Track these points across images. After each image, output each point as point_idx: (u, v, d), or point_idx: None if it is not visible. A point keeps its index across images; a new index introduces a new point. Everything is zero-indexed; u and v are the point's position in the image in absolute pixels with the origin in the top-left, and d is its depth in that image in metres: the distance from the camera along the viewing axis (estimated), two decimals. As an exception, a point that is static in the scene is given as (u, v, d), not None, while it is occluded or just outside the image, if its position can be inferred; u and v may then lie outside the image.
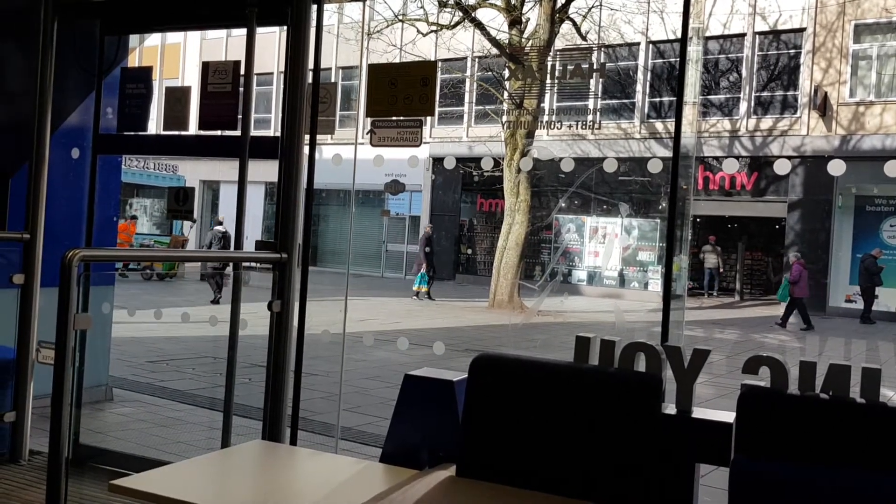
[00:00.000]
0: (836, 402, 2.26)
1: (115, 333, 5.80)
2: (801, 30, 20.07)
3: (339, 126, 3.96)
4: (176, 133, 3.88)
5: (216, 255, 3.98)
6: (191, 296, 14.97)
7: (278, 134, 3.48)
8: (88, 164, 4.20)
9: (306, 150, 3.50)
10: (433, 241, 19.36)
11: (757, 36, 20.80)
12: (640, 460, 2.39)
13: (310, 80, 3.50)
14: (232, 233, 3.79)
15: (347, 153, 4.12)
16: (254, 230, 24.98)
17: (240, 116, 3.73)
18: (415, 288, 17.92)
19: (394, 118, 3.62)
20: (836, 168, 2.96)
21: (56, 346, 2.39)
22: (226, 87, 3.67)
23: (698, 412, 2.49)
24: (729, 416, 2.41)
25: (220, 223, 16.19)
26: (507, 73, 18.34)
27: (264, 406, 3.32)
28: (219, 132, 3.84)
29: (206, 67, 3.75)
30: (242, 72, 3.72)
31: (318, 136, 3.59)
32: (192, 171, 25.33)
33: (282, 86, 3.51)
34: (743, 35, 20.83)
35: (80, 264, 2.46)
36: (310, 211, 3.47)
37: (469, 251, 25.62)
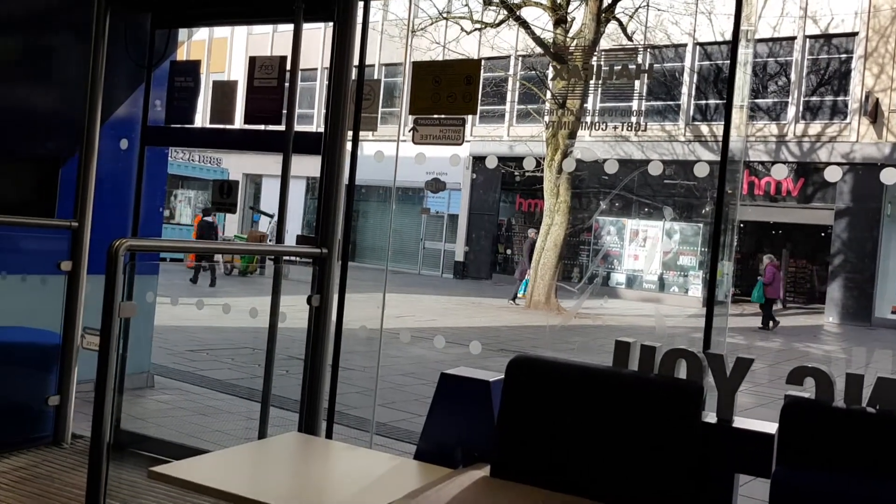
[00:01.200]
0: (884, 417, 2.20)
1: (158, 321, 5.92)
2: (854, 34, 19.60)
3: (381, 123, 3.97)
4: (222, 126, 3.93)
5: (260, 249, 4.02)
6: (259, 288, 15.25)
7: (321, 129, 3.50)
8: (136, 155, 4.28)
9: (349, 146, 3.51)
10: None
11: (807, 39, 20.37)
12: (678, 468, 2.35)
13: (354, 76, 3.51)
14: (275, 226, 3.82)
15: (389, 150, 4.13)
16: (294, 225, 25.26)
17: (284, 111, 3.77)
18: (520, 294, 17.26)
19: (436, 116, 3.62)
20: (890, 177, 2.88)
21: (101, 332, 2.43)
22: (272, 83, 3.70)
23: (739, 422, 2.44)
24: (771, 427, 2.37)
25: (208, 213, 16.46)
26: (550, 72, 18.23)
27: (301, 398, 3.35)
28: (263, 126, 3.87)
29: (252, 62, 3.79)
30: (288, 67, 3.75)
31: (361, 133, 3.60)
32: (236, 165, 25.67)
33: (325, 81, 3.53)
34: (793, 38, 20.42)
35: (126, 253, 2.50)
36: (350, 207, 3.48)
37: (507, 251, 25.55)
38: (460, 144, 3.65)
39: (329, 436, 3.37)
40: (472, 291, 19.08)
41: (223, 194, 3.86)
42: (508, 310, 16.22)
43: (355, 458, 2.78)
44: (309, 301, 3.35)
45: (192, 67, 4.13)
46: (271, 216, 19.86)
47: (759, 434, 2.38)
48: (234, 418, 5.17)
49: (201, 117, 4.08)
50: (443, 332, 9.49)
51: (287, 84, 3.76)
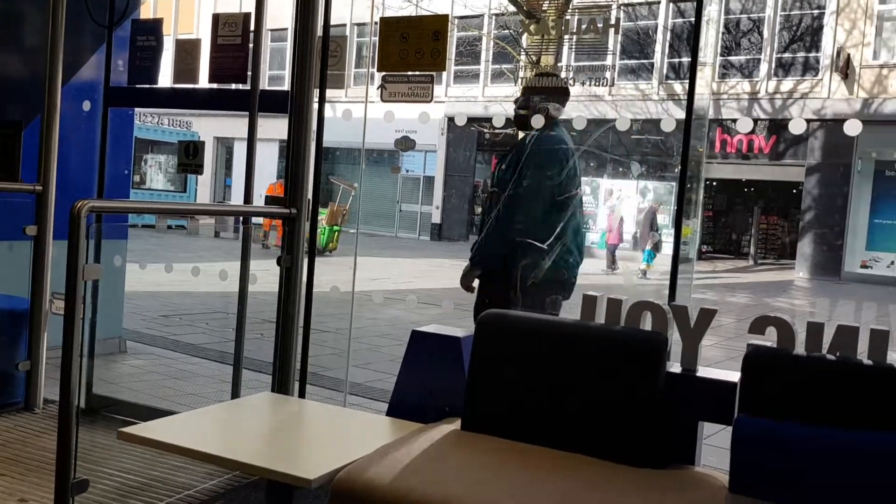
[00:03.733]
0: (843, 363, 2.25)
1: (132, 287, 5.87)
2: (826, -11, 19.63)
3: (353, 84, 3.92)
4: (186, 86, 3.85)
5: (228, 209, 3.98)
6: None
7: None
8: (99, 117, 4.20)
9: (316, 104, 3.47)
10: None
11: (780, -5, 20.36)
12: (644, 418, 2.40)
13: (320, 33, 3.46)
14: (241, 188, 3.78)
15: (360, 111, 4.09)
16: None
17: (250, 71, 3.70)
18: (642, 266, 17.17)
19: (405, 73, 3.58)
20: (853, 128, 2.91)
21: (66, 295, 2.41)
22: (236, 40, 3.63)
23: (703, 371, 2.49)
24: (734, 376, 2.42)
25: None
26: (523, 31, 18.05)
27: (273, 359, 3.36)
28: (231, 86, 3.80)
29: (216, 20, 3.71)
30: (253, 24, 3.68)
31: (331, 94, 3.55)
32: (207, 128, 25.27)
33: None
34: (766, -6, 20.41)
35: (89, 215, 2.47)
36: (319, 166, 3.45)
37: (481, 212, 25.55)
38: (430, 101, 3.61)
39: (302, 395, 3.38)
40: (448, 253, 19.10)
41: (189, 155, 3.80)
42: (485, 270, 16.27)
43: (327, 416, 2.80)
44: (279, 262, 3.34)
45: (154, 26, 4.03)
46: (354, 187, 19.07)
47: (721, 383, 2.43)
48: (208, 382, 5.17)
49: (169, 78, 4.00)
50: (418, 293, 9.53)
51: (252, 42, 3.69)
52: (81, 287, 2.42)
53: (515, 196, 3.79)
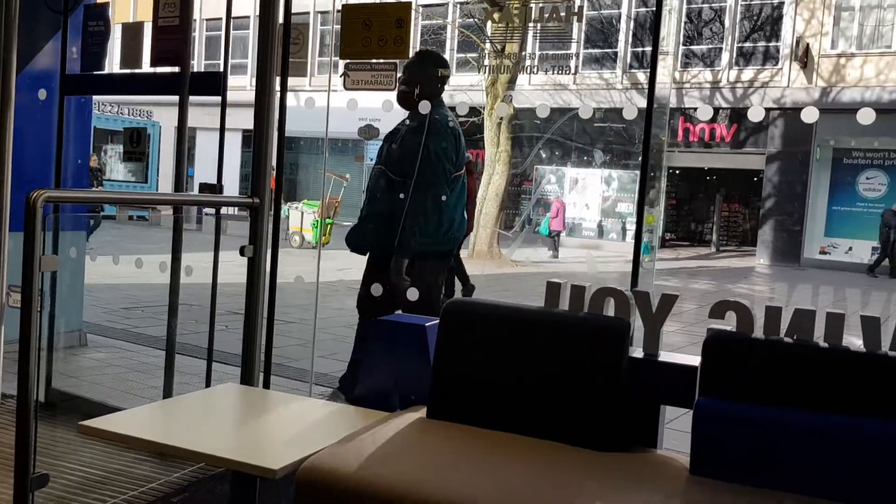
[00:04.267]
0: (800, 346, 2.30)
1: (91, 280, 5.76)
2: (785, -21, 19.91)
3: (317, 73, 3.88)
4: (128, 71, 3.78)
5: (190, 199, 3.92)
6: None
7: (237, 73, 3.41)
8: (56, 106, 4.11)
9: (278, 92, 3.43)
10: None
11: (741, -15, 20.61)
12: (607, 402, 2.42)
13: (282, 20, 3.42)
14: (205, 178, 3.72)
15: (323, 100, 4.05)
16: (231, 179, 24.71)
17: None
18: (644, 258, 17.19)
19: (368, 61, 3.56)
20: (810, 115, 2.96)
21: (22, 287, 2.36)
22: (174, 21, 3.55)
23: (665, 356, 2.53)
24: (694, 360, 2.45)
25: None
26: (488, 20, 18.02)
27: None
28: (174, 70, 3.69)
29: (156, 1, 3.63)
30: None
31: (295, 83, 3.51)
32: (168, 117, 24.88)
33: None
34: (727, -16, 20.64)
35: (46, 205, 2.42)
36: (282, 154, 3.42)
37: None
38: (393, 90, 3.60)
39: (267, 387, 3.36)
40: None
41: (133, 143, 3.73)
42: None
43: (292, 406, 2.78)
44: (242, 252, 3.31)
45: (102, 11, 3.95)
46: (346, 178, 18.70)
47: (682, 367, 2.47)
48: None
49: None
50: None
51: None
52: (38, 279, 2.37)
53: (420, 178, 3.74)
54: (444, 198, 3.82)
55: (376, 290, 3.69)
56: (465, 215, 4.16)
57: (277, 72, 3.37)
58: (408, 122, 3.96)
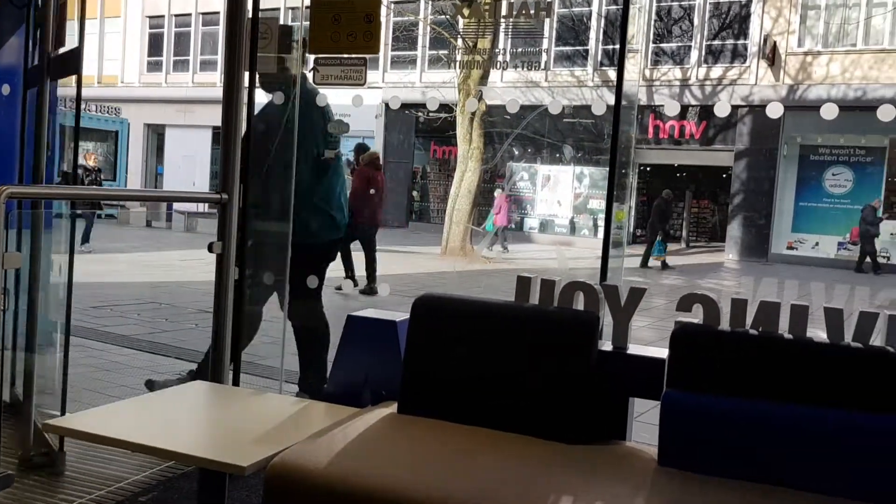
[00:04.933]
0: (765, 338, 2.33)
1: (58, 279, 5.65)
2: (753, -22, 20.15)
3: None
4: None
5: (158, 195, 3.84)
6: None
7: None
8: (20, 101, 4.03)
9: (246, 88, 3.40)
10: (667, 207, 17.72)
11: (709, -17, 20.82)
12: (577, 395, 2.44)
13: (251, 14, 3.39)
14: (175, 176, 3.68)
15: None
16: (202, 176, 24.48)
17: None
18: (654, 256, 16.67)
19: (338, 56, 3.54)
20: (775, 110, 3.01)
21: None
22: None
23: (633, 349, 2.55)
24: (662, 353, 2.48)
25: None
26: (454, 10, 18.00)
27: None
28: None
29: None
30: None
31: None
32: (136, 115, 24.60)
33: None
34: (696, -17, 20.84)
35: (9, 202, 2.38)
36: (248, 149, 3.38)
37: (420, 199, 25.56)
38: (363, 85, 3.59)
39: (236, 384, 3.34)
40: (388, 239, 19.02)
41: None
42: (425, 257, 16.30)
43: (261, 403, 2.76)
44: (210, 248, 3.27)
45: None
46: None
47: (651, 359, 2.49)
48: (140, 373, 5.04)
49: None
50: (357, 280, 9.47)
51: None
52: (1, 276, 2.33)
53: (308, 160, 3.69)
54: (322, 181, 3.77)
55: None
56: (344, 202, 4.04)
57: (246, 66, 3.34)
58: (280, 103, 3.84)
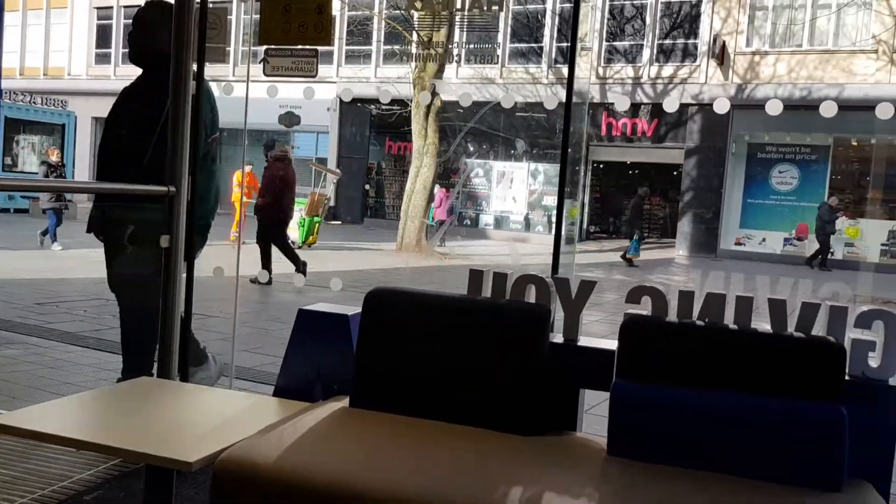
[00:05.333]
0: (711, 329, 2.37)
1: (5, 275, 5.51)
2: (703, -22, 20.49)
3: (241, 62, 3.77)
4: None
5: (106, 188, 3.75)
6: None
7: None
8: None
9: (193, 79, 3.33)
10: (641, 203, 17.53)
11: (661, -17, 21.12)
12: (529, 386, 2.45)
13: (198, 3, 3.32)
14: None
15: (242, 90, 3.96)
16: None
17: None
18: (630, 254, 16.51)
19: (289, 47, 3.50)
20: (721, 106, 3.06)
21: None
22: None
23: (584, 341, 2.58)
24: (612, 344, 2.50)
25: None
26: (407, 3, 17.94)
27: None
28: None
29: None
30: None
31: (217, 73, 3.40)
32: (83, 108, 24.03)
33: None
34: (646, -19, 21.12)
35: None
36: (196, 142, 3.32)
37: (375, 195, 25.46)
38: (314, 76, 3.55)
39: (185, 380, 3.28)
40: (342, 235, 18.93)
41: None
42: (380, 253, 16.25)
43: (210, 398, 2.72)
44: (158, 242, 3.21)
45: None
46: (337, 173, 17.77)
47: (601, 351, 2.52)
48: (87, 370, 4.93)
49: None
50: (309, 276, 9.40)
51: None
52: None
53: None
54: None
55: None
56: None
57: (194, 57, 3.28)
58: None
